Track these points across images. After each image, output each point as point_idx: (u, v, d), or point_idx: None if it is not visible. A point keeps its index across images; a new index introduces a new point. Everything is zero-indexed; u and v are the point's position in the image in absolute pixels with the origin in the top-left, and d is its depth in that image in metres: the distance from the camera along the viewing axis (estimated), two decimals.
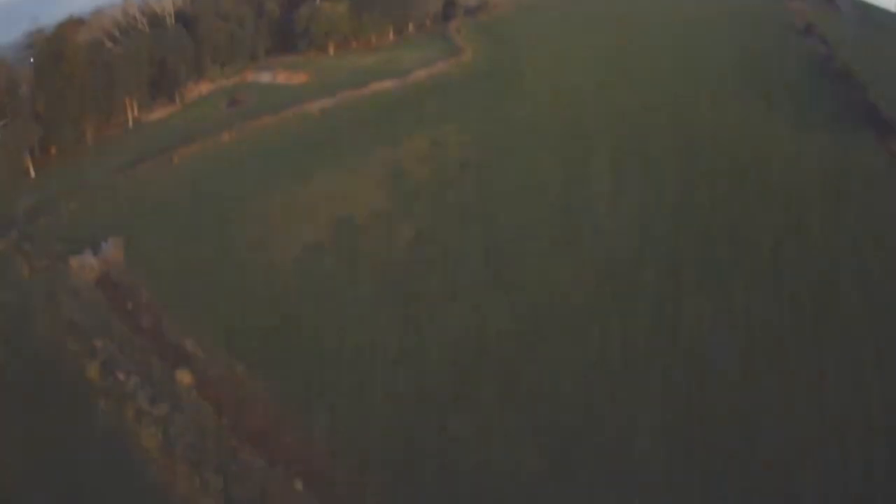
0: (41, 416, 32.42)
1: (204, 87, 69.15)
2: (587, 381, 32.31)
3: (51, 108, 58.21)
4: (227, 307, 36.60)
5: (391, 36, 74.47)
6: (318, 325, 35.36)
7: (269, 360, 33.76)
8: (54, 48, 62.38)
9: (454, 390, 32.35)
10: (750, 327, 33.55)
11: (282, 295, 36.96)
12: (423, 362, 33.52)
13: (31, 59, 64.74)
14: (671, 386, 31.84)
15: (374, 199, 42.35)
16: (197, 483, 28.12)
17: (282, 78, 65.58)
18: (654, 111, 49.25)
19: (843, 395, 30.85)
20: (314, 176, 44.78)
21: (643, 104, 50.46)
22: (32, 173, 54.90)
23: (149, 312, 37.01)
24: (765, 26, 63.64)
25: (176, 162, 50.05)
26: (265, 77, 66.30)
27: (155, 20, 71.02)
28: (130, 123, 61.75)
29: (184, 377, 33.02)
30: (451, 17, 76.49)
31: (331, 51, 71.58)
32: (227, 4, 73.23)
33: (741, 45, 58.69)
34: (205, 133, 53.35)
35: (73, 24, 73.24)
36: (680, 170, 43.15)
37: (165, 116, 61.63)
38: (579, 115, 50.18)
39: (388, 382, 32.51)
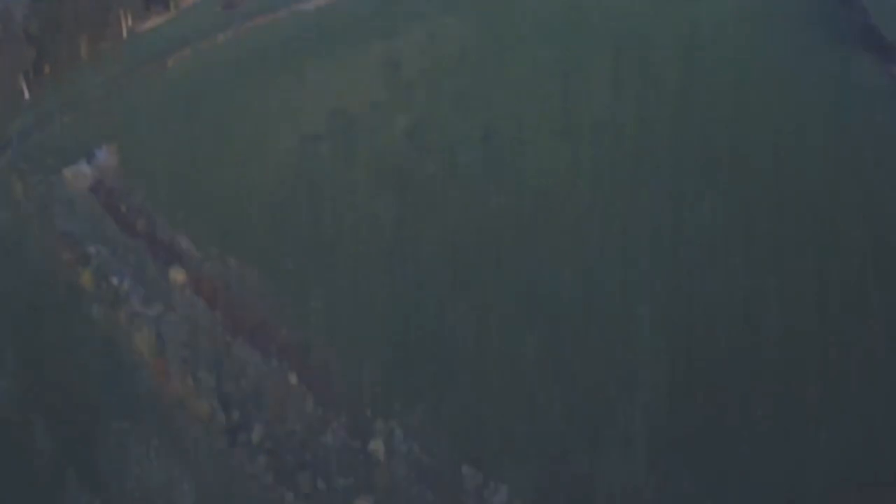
0: (35, 329, 30.90)
1: None
2: (586, 269, 31.03)
3: (45, 28, 59.92)
4: (222, 203, 34.98)
5: None
6: (313, 215, 33.79)
7: (263, 254, 32.44)
8: None
9: (452, 277, 30.95)
10: (749, 228, 31.91)
11: (276, 187, 35.38)
12: (421, 250, 32.05)
13: None
14: (671, 277, 30.32)
15: (371, 90, 40.38)
16: (189, 382, 27.02)
17: None
18: (657, 15, 46.11)
19: (842, 296, 28.93)
20: (309, 71, 42.85)
21: (647, 6, 46.95)
22: (27, 94, 56.68)
23: (143, 214, 35.58)
24: None
25: (170, 67, 50.25)
26: None
27: None
28: (125, 35, 63.79)
29: (177, 276, 31.84)
30: None
31: None
32: None
33: None
34: (199, 37, 50.90)
35: None
36: (680, 72, 43.98)
37: (160, 24, 60.96)
38: (581, 11, 47.11)
39: (385, 270, 31.25)
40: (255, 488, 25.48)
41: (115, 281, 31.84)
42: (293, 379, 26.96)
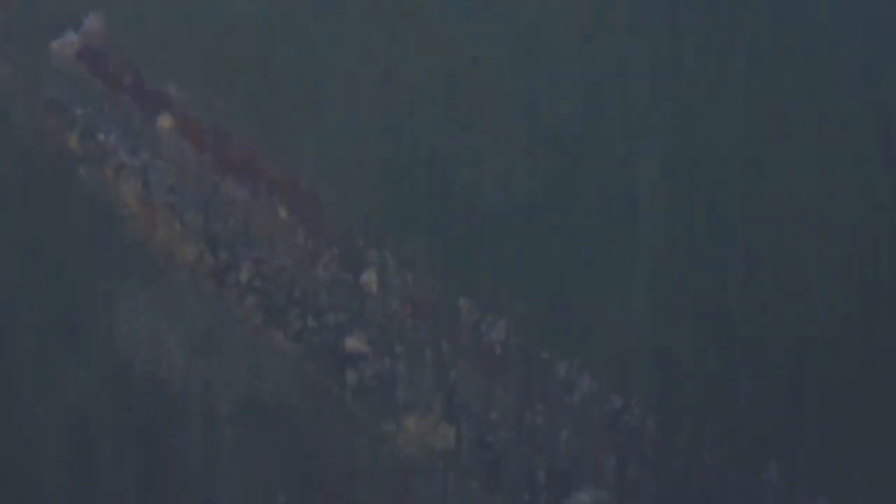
0: (22, 201, 29.43)
1: None
2: (587, 104, 28.34)
3: None
4: (209, 47, 32.78)
5: None
6: (302, 51, 31.35)
7: (252, 90, 29.99)
8: None
9: (446, 108, 28.43)
10: (751, 88, 29.38)
11: (264, 27, 32.84)
12: (414, 80, 29.51)
13: None
14: (672, 117, 27.78)
15: None
16: (177, 226, 25.86)
17: None
18: None
19: (840, 164, 26.93)
20: None
21: None
22: None
23: (130, 70, 34.53)
24: None
25: None
26: None
27: None
28: None
29: (164, 122, 30.34)
30: None
31: None
32: None
33: None
34: None
35: None
36: None
37: None
38: None
39: (377, 101, 28.67)
40: (244, 332, 22.40)
41: (101, 137, 30.06)
42: (283, 212, 24.36)
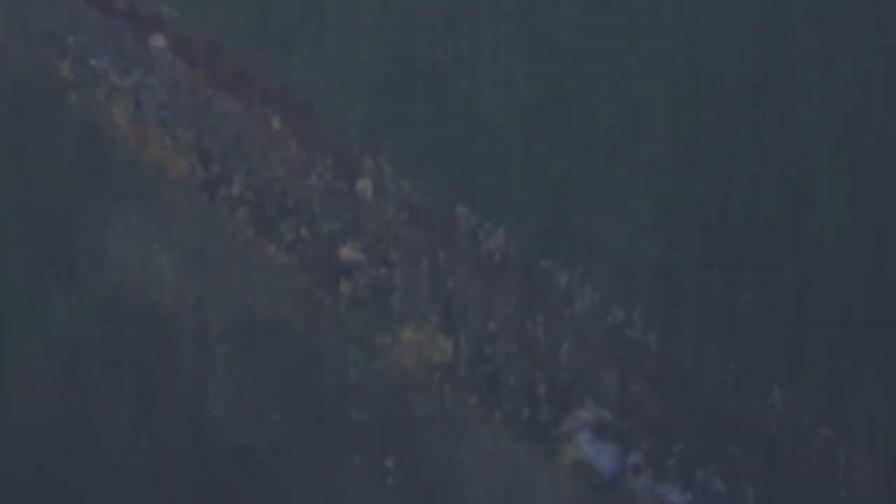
0: (13, 134, 28.91)
1: None
2: (586, 10, 27.84)
3: None
4: None
5: None
6: None
7: (244, 5, 29.63)
8: None
9: (444, 13, 28.06)
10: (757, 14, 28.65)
11: None
12: None
13: None
14: (676, 24, 27.04)
15: None
16: (168, 142, 25.27)
17: None
18: None
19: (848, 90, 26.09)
20: None
21: None
22: None
23: None
24: None
25: None
26: None
27: None
28: None
29: (157, 41, 29.45)
30: None
31: None
32: None
33: None
34: None
35: None
36: None
37: None
38: None
39: (373, 7, 27.92)
40: (236, 246, 22.00)
41: (93, 62, 28.98)
42: (276, 123, 23.99)
